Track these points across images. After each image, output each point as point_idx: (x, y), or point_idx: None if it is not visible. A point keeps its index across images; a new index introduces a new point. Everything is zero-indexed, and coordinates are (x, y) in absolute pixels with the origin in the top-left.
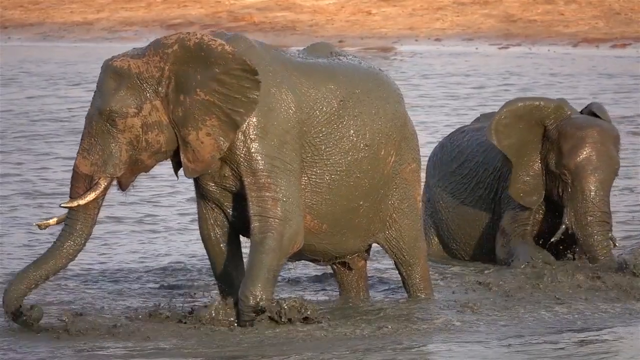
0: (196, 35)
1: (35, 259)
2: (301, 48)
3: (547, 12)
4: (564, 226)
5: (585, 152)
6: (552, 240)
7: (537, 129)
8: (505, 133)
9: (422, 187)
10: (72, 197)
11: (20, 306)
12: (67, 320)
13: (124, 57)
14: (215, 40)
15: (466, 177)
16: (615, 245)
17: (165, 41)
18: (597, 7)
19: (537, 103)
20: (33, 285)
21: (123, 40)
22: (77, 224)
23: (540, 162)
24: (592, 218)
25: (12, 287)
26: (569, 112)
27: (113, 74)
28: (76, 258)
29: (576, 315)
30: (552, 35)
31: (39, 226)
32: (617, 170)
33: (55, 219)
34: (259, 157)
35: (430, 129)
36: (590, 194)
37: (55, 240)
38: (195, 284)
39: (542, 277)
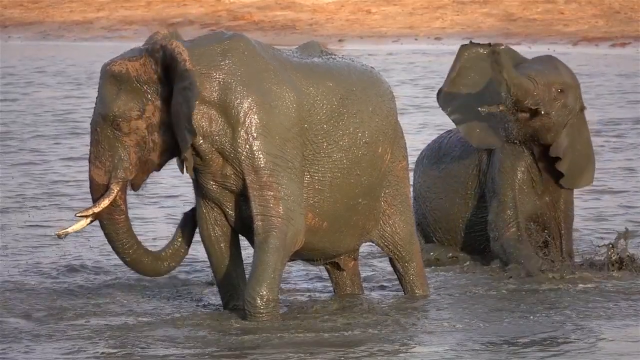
0: (171, 44)
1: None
2: None
3: (547, 11)
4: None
5: (535, 60)
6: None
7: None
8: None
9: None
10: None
11: None
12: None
13: (121, 61)
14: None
15: (443, 172)
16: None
17: (154, 46)
18: (597, 6)
19: (483, 51)
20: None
21: (123, 39)
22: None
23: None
24: (522, 78)
25: None
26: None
27: (112, 79)
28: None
29: (570, 316)
30: (552, 34)
31: (58, 235)
32: (563, 83)
33: (73, 227)
34: (261, 156)
35: (430, 129)
36: (526, 66)
37: None
38: (194, 284)
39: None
